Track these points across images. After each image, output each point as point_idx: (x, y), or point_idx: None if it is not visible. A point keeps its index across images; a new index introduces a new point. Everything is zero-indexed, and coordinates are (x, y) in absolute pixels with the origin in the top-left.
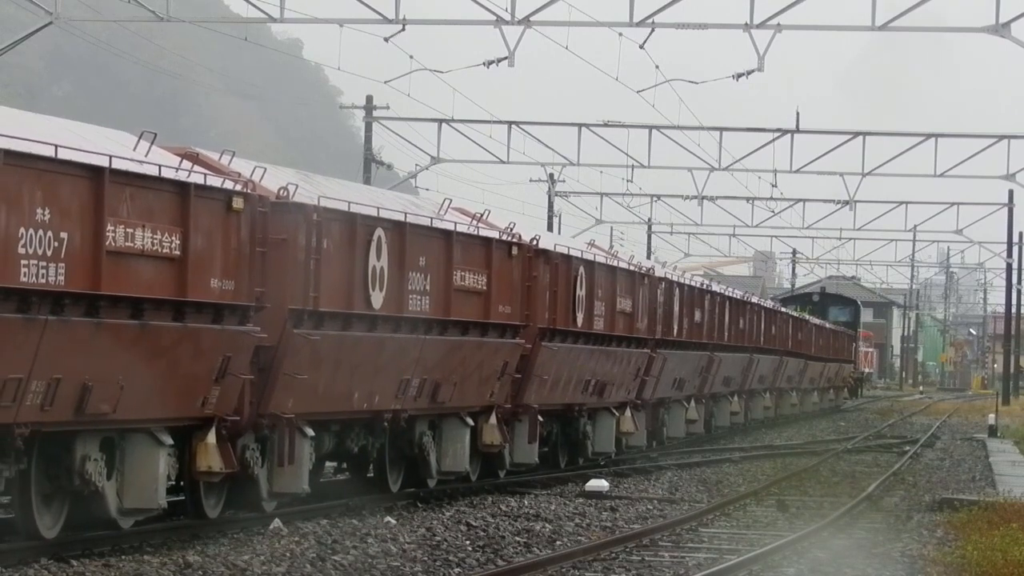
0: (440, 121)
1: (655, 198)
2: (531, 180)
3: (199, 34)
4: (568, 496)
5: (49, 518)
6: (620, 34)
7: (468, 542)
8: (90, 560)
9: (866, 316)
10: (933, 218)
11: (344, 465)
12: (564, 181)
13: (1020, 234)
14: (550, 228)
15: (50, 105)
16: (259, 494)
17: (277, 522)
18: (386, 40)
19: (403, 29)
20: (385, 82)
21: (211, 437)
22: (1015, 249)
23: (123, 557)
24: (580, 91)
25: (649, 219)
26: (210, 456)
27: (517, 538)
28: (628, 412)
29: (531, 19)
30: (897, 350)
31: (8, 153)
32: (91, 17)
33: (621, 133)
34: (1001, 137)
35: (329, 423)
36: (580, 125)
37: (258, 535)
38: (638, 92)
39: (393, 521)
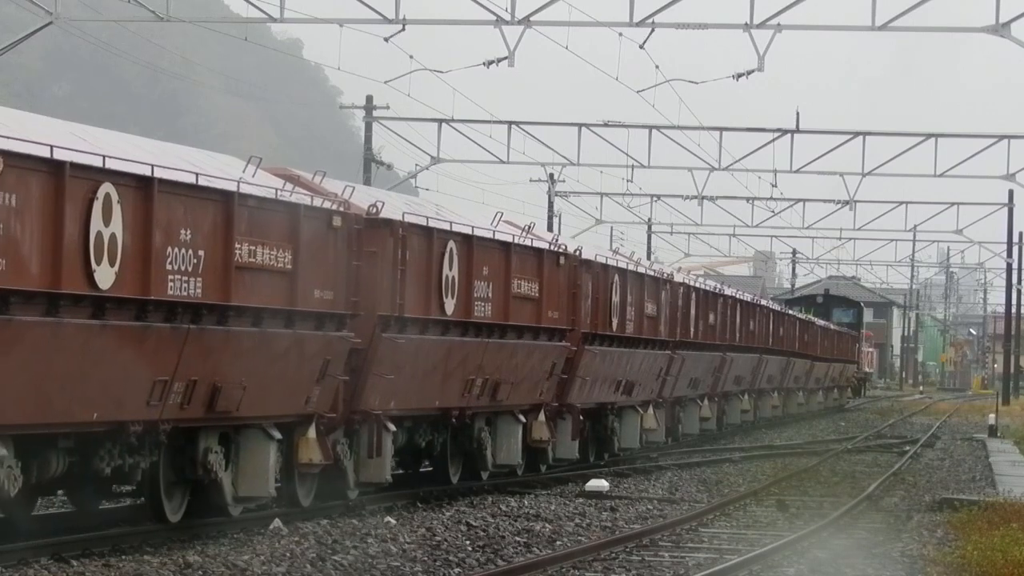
0: (440, 121)
1: (655, 198)
2: (531, 180)
3: (199, 34)
4: (568, 496)
5: (174, 504)
6: (620, 34)
7: (468, 542)
8: (90, 560)
9: (866, 316)
10: (933, 218)
11: (398, 459)
12: (564, 181)
13: (1020, 234)
14: (550, 228)
15: (50, 105)
16: (346, 484)
17: (277, 522)
18: (386, 40)
19: (403, 29)
20: (385, 82)
21: (311, 432)
22: (1015, 249)
23: (123, 557)
24: (580, 91)
25: (649, 219)
26: (311, 449)
27: (517, 538)
28: (651, 410)
29: (531, 19)
30: (897, 350)
31: (162, 182)
32: (91, 17)
33: (621, 133)
34: (1001, 137)
35: (403, 419)
36: (580, 125)
37: (258, 535)
38: (638, 92)
39: (393, 521)
